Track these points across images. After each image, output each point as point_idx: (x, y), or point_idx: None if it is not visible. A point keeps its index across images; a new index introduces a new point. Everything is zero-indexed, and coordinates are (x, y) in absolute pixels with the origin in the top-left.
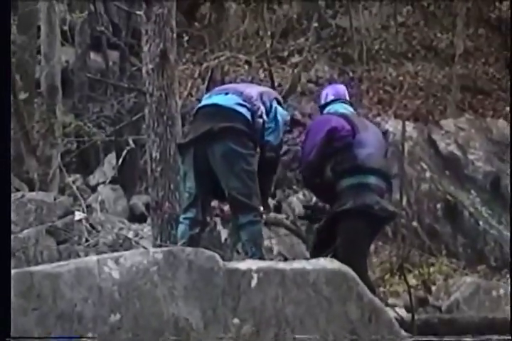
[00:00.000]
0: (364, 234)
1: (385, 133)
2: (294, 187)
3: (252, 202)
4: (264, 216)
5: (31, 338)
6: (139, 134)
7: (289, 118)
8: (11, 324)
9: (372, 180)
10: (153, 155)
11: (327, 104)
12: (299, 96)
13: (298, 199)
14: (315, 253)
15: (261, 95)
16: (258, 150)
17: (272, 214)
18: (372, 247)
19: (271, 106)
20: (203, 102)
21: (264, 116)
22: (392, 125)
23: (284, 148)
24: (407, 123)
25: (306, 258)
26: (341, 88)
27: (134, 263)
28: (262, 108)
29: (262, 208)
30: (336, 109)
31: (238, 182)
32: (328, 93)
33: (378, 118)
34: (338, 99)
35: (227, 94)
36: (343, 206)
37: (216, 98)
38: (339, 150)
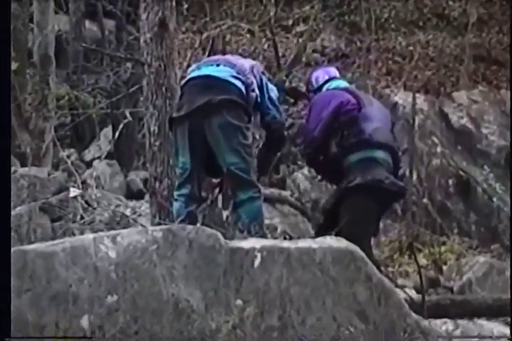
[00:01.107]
0: (372, 210)
1: (394, 106)
2: (299, 162)
3: (251, 178)
4: (262, 193)
5: (31, 338)
6: (137, 107)
7: (277, 94)
8: (11, 324)
9: (380, 154)
10: (152, 128)
11: (322, 85)
12: (304, 67)
13: (303, 175)
14: (321, 232)
15: (252, 68)
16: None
17: (276, 191)
18: (380, 225)
19: (261, 80)
20: (194, 74)
21: (256, 90)
22: (401, 97)
23: (289, 121)
24: (417, 95)
25: (312, 237)
26: (332, 69)
27: (132, 241)
28: (254, 81)
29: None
30: (336, 84)
31: (236, 156)
32: (318, 76)
33: (387, 90)
34: (332, 78)
35: (218, 65)
36: (352, 182)
37: (208, 69)
38: (345, 125)
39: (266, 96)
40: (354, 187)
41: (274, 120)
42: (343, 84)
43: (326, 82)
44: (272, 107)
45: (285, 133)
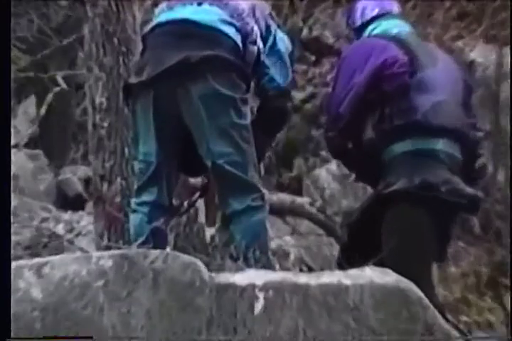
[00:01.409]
0: (429, 227)
1: (469, 66)
2: (323, 153)
3: (250, 177)
4: (267, 200)
5: (31, 338)
6: (74, 68)
7: (291, 47)
8: (11, 324)
9: (440, 144)
10: (97, 101)
11: (368, 22)
12: (332, 7)
13: (329, 173)
14: (348, 259)
15: (253, 9)
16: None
17: (288, 198)
18: (448, 250)
19: (267, 26)
20: (163, 17)
21: (260, 42)
22: (481, 53)
23: (308, 90)
24: (505, 50)
25: (342, 268)
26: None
27: (67, 274)
28: (256, 29)
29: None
30: (384, 28)
31: (227, 144)
32: (366, 7)
33: (459, 43)
34: (385, 14)
35: (200, 4)
36: (392, 186)
37: (185, 11)
38: (388, 97)
39: (270, 50)
40: (395, 195)
41: (272, 84)
42: (395, 28)
43: (373, 19)
44: (272, 66)
45: (288, 104)
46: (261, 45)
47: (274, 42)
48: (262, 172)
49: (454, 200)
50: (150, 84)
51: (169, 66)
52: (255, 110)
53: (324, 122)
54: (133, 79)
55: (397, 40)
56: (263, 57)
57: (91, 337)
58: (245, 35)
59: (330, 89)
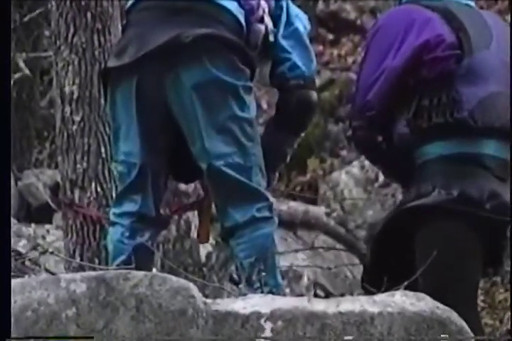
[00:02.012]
0: (471, 246)
1: None
2: (343, 152)
3: (255, 183)
4: (275, 210)
5: (31, 338)
6: (38, 50)
7: (309, 26)
8: (11, 324)
9: (487, 149)
10: (67, 90)
11: None
12: None
13: (351, 177)
14: (374, 281)
15: None
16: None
17: (301, 207)
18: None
19: (277, 1)
20: None
21: (268, 20)
22: None
23: (325, 75)
24: None
25: (367, 292)
26: None
27: (30, 302)
28: (264, 4)
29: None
30: None
31: (227, 142)
32: None
33: None
34: None
35: None
36: (425, 197)
37: None
38: (429, 87)
39: (286, 30)
40: (429, 208)
41: (295, 72)
42: None
43: None
44: (292, 49)
45: (314, 96)
46: (270, 23)
47: (289, 21)
48: (276, 179)
49: (501, 219)
50: (133, 69)
51: (156, 46)
52: (275, 104)
53: (349, 110)
54: (112, 63)
55: (445, 10)
56: (279, 38)
57: (92, 337)
58: (250, 11)
59: (352, 74)
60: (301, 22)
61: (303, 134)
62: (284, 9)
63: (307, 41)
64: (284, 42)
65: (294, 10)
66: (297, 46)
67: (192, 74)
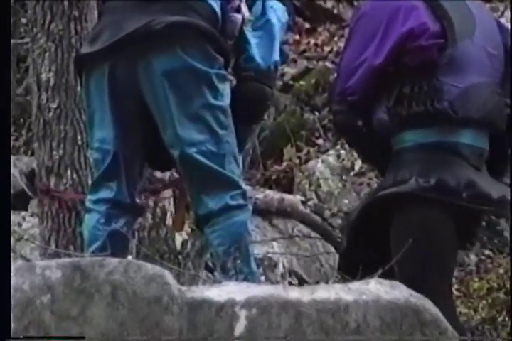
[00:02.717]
0: (447, 234)
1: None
2: (319, 141)
3: (229, 171)
4: (250, 198)
5: (31, 338)
6: (15, 36)
7: (285, 18)
8: (11, 324)
9: (465, 138)
10: (43, 77)
11: None
12: None
13: (326, 166)
14: (349, 269)
15: None
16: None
17: (276, 195)
18: (471, 259)
19: None
20: None
21: (245, 10)
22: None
23: (301, 65)
24: None
25: (343, 280)
26: None
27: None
28: None
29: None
30: None
31: (200, 130)
32: None
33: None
34: None
35: None
36: (402, 184)
37: None
38: (410, 75)
39: (257, 20)
40: (404, 196)
41: (249, 64)
42: None
43: None
44: (256, 41)
45: (264, 90)
46: (247, 13)
47: (263, 12)
48: (244, 167)
49: (477, 208)
50: (105, 55)
51: (129, 33)
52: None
53: (329, 94)
54: (85, 49)
55: (430, 2)
56: (246, 27)
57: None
58: (226, 0)
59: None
60: (275, 14)
61: (256, 126)
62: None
63: (277, 34)
64: (247, 33)
65: (270, 1)
66: (264, 38)
67: (163, 62)
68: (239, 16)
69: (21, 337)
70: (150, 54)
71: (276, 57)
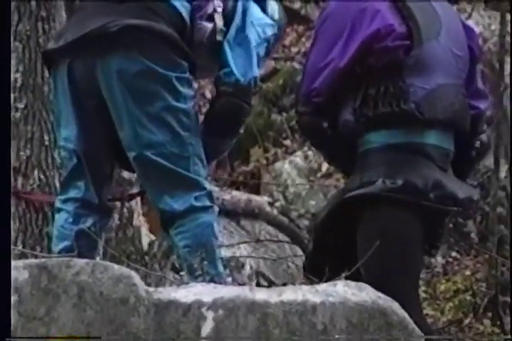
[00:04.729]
0: (415, 234)
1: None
2: (287, 142)
3: (194, 173)
4: (216, 198)
5: (31, 338)
6: None
7: (271, 32)
8: (11, 324)
9: (433, 139)
10: (13, 76)
11: None
12: None
13: (294, 167)
14: (315, 271)
15: None
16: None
17: (243, 196)
18: (438, 261)
19: (235, 2)
20: None
21: (220, 20)
22: (479, 21)
23: (268, 65)
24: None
25: (309, 281)
26: None
27: None
28: (218, 2)
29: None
30: None
31: (159, 132)
32: None
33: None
34: None
35: None
36: (369, 186)
37: None
38: (376, 76)
39: (237, 36)
40: (371, 198)
41: (228, 78)
42: None
43: None
44: (236, 57)
45: (240, 106)
46: (220, 23)
47: (243, 27)
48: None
49: (444, 208)
50: (66, 52)
51: (87, 32)
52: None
53: (295, 95)
54: (51, 44)
55: (396, 2)
56: (226, 42)
57: (99, 337)
58: (197, 8)
59: (296, 64)
60: (255, 30)
61: (233, 140)
62: (239, 13)
63: (254, 51)
64: (227, 48)
65: (256, 15)
66: (243, 54)
67: (120, 63)
68: (209, 25)
69: (22, 337)
70: (107, 54)
71: (256, 72)
